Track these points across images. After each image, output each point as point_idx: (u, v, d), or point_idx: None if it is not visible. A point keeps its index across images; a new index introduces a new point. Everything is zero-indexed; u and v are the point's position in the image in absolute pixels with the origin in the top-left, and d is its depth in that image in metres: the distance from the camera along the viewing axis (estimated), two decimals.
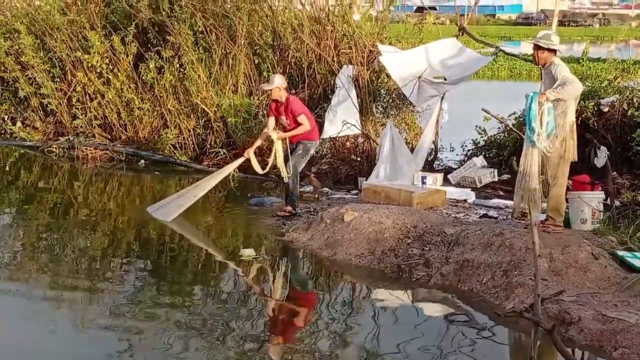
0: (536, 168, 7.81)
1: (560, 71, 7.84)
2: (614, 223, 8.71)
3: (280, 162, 10.31)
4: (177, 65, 14.44)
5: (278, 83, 10.18)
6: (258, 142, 10.81)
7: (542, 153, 7.81)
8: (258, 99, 13.69)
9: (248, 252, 8.87)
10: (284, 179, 10.39)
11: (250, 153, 10.50)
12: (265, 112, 13.39)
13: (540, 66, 8.26)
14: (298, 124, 10.17)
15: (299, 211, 10.27)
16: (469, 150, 13.48)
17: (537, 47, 8.04)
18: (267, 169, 10.62)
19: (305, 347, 6.47)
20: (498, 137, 13.05)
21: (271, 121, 10.47)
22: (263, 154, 11.78)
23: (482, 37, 14.83)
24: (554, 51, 8.02)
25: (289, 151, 10.28)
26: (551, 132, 7.71)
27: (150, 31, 14.83)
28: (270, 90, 10.31)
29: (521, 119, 12.40)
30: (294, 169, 10.24)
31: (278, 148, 10.37)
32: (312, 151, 10.58)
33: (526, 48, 8.30)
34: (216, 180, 10.62)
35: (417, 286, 7.97)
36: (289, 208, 10.31)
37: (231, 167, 10.82)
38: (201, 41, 14.31)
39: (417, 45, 13.51)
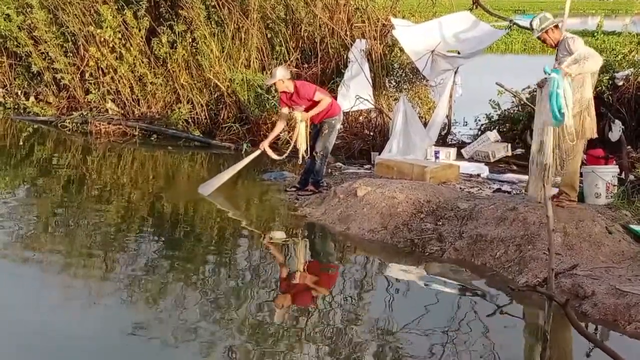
0: (551, 145, 7.73)
1: (576, 44, 7.76)
2: (628, 197, 8.68)
3: (302, 143, 10.26)
4: (190, 40, 14.44)
5: (280, 76, 9.95)
6: (274, 134, 10.53)
7: (559, 129, 7.71)
8: (271, 74, 13.65)
9: (279, 235, 8.86)
10: (300, 159, 10.36)
11: (265, 146, 10.32)
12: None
13: (554, 47, 8.15)
14: (316, 104, 10.10)
15: (323, 191, 10.18)
16: (482, 125, 13.45)
17: (545, 33, 7.95)
18: (287, 154, 10.51)
19: (319, 321, 6.49)
20: (512, 111, 13.01)
21: (284, 111, 10.37)
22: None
23: (496, 10, 14.71)
24: (558, 28, 7.95)
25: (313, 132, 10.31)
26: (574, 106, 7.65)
27: (162, 5, 14.82)
28: (274, 83, 10.20)
29: (535, 93, 12.35)
30: (325, 149, 10.18)
31: (302, 129, 10.26)
32: (339, 126, 10.46)
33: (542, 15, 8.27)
34: (235, 170, 10.54)
35: (430, 260, 7.97)
36: (311, 187, 10.27)
37: (247, 160, 10.58)
38: (213, 15, 14.29)
39: (431, 18, 13.44)
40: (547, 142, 7.71)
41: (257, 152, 10.52)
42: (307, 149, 10.29)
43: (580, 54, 7.56)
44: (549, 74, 7.36)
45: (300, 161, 10.47)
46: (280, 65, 11.56)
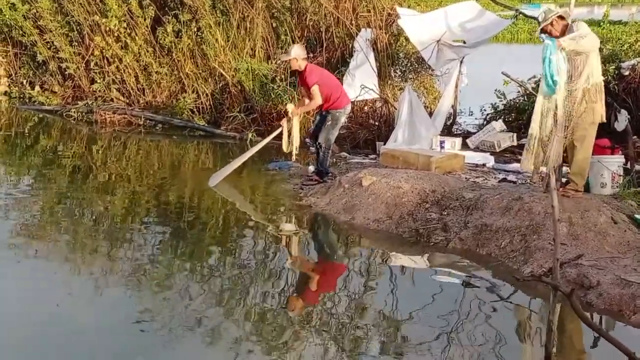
0: (538, 115, 7.78)
1: (579, 26, 7.78)
2: (634, 187, 8.66)
3: (295, 140, 10.26)
4: (195, 29, 14.42)
5: (296, 54, 9.89)
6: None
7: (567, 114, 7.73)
8: (276, 63, 13.65)
9: (289, 227, 8.86)
10: (292, 156, 10.39)
11: (284, 123, 10.33)
12: (282, 76, 13.37)
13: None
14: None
15: (327, 180, 10.15)
16: (488, 114, 13.42)
17: (550, 25, 7.92)
18: (289, 149, 10.43)
19: (324, 311, 6.49)
20: (517, 101, 12.97)
21: (304, 91, 10.38)
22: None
23: (502, 0, 14.64)
24: (564, 19, 7.92)
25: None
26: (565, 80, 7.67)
27: None
28: (289, 61, 10.17)
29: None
30: (327, 141, 10.12)
31: (294, 124, 10.26)
32: (343, 119, 10.38)
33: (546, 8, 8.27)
34: (254, 151, 10.65)
35: (435, 250, 7.96)
36: (316, 177, 10.26)
37: (266, 140, 10.65)
38: (219, 4, 14.26)
39: (436, 8, 13.42)
40: (535, 112, 7.84)
41: (279, 130, 10.53)
42: (297, 145, 10.31)
43: (579, 34, 7.60)
44: (543, 40, 7.53)
45: (293, 158, 10.49)
46: (297, 44, 11.50)
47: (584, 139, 7.88)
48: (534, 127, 7.85)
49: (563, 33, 7.90)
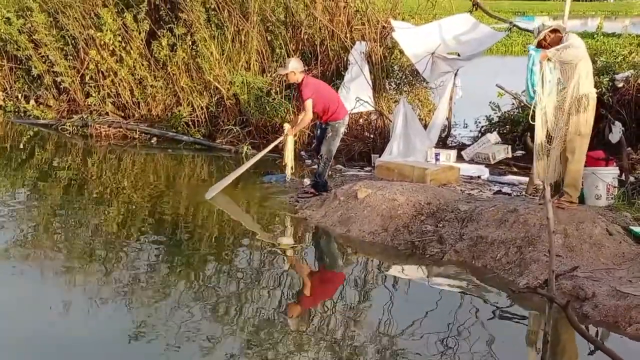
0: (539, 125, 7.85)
1: (568, 36, 7.83)
2: (628, 199, 8.67)
3: (289, 159, 10.30)
4: (190, 43, 14.44)
5: (293, 67, 9.91)
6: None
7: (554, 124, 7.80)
8: (271, 77, 13.67)
9: (286, 241, 8.84)
10: (287, 176, 10.39)
11: (284, 139, 10.34)
12: (277, 89, 13.38)
13: None
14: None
15: (323, 193, 10.11)
16: (482, 127, 13.44)
17: (543, 39, 7.95)
18: (285, 164, 10.49)
19: (320, 324, 6.49)
20: (512, 113, 13.00)
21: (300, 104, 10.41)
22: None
23: (496, 13, 14.69)
24: (557, 32, 7.95)
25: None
26: (551, 91, 7.73)
27: (162, 8, 14.82)
28: (286, 74, 10.21)
29: None
30: (329, 152, 10.14)
31: (289, 142, 10.29)
32: (343, 129, 10.35)
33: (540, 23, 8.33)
34: (250, 164, 10.68)
35: (430, 263, 7.96)
36: (312, 190, 10.27)
37: (265, 151, 10.69)
38: (213, 18, 14.29)
39: (431, 20, 13.43)
40: (536, 122, 7.94)
41: (274, 144, 10.61)
42: (292, 165, 10.33)
43: (565, 45, 7.66)
44: (529, 51, 7.69)
45: (288, 177, 10.48)
46: (294, 57, 11.49)
47: (575, 151, 7.91)
48: (538, 136, 7.92)
49: (557, 45, 7.94)
